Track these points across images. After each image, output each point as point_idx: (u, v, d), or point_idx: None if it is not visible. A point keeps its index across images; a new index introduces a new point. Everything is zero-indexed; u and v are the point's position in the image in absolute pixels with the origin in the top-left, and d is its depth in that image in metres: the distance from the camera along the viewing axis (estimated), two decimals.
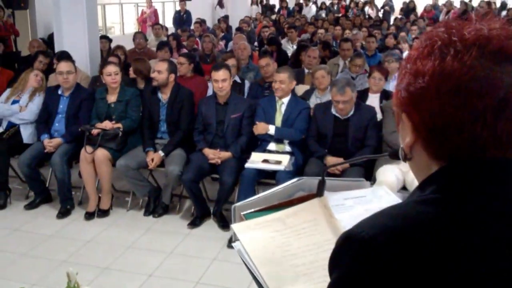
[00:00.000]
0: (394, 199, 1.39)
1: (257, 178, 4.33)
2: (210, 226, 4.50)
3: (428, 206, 0.78)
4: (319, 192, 1.32)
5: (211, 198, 4.74)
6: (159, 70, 4.73)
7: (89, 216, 4.60)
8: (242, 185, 4.29)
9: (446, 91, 0.77)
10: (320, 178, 1.32)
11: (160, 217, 4.66)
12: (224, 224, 4.41)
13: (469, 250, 0.73)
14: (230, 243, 4.14)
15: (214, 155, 4.45)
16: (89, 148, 4.55)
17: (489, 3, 18.10)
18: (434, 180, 0.82)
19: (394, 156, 1.09)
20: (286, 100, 4.59)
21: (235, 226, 1.28)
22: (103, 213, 4.65)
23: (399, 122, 0.89)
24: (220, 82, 4.50)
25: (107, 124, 4.65)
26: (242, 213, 1.31)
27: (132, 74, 5.58)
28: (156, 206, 4.71)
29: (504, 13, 16.96)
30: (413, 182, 4.05)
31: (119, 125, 4.67)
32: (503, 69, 0.76)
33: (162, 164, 4.64)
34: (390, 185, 3.83)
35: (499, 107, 0.75)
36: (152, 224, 4.55)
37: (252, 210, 1.31)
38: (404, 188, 4.10)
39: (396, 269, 0.72)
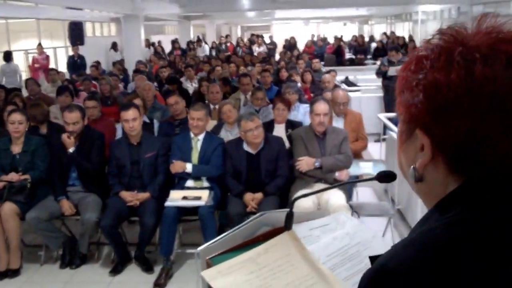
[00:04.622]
0: (356, 223, 1.40)
1: (179, 216, 4.29)
2: (132, 271, 4.37)
3: (458, 228, 0.71)
4: (288, 225, 1.26)
5: (130, 242, 4.61)
6: (76, 122, 4.54)
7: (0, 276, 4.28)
8: (164, 225, 4.23)
9: (481, 104, 0.70)
10: (287, 210, 1.26)
11: (78, 267, 4.45)
12: (148, 267, 4.34)
13: (506, 274, 0.67)
14: (155, 286, 4.07)
15: (132, 197, 4.37)
16: None
17: (361, 36, 19.78)
18: (459, 198, 0.75)
19: (384, 180, 1.06)
20: (201, 137, 4.62)
21: (205, 274, 1.17)
22: (14, 273, 4.34)
23: (405, 140, 0.81)
24: (131, 121, 4.45)
25: (13, 176, 4.40)
26: (208, 258, 1.21)
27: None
28: (72, 257, 4.48)
29: (373, 44, 18.62)
30: (327, 204, 4.22)
31: (27, 176, 4.44)
32: None
33: (76, 212, 4.46)
34: (307, 209, 3.96)
35: None
36: (71, 276, 4.34)
37: (218, 252, 1.22)
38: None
39: None
